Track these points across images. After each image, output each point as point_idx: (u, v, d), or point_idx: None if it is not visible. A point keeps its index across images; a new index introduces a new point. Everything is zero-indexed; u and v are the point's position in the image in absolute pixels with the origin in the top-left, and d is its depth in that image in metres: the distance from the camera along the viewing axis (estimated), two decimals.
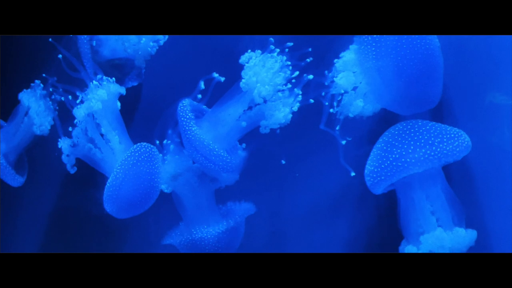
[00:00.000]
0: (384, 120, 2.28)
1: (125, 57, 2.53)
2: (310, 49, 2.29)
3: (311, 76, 2.27)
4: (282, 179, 2.67)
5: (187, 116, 2.29)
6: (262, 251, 2.61)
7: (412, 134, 2.18)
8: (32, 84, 2.57)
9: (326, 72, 2.27)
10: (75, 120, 2.40)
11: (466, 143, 2.17)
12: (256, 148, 2.41)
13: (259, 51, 2.29)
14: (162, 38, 2.51)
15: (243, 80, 2.27)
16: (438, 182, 2.23)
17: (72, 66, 2.46)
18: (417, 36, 2.10)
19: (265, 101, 2.27)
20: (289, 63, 2.28)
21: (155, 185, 2.36)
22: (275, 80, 2.25)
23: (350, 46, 2.24)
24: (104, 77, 2.41)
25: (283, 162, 2.40)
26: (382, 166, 2.17)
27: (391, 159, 2.16)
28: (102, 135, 2.40)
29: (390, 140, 2.20)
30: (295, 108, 2.28)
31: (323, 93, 2.27)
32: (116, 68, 2.55)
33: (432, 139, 2.16)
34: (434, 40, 2.13)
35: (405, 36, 2.11)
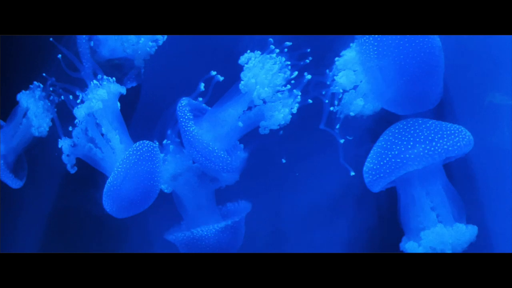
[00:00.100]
0: (384, 119, 2.28)
1: (124, 57, 2.53)
2: (308, 50, 2.29)
3: (309, 76, 2.27)
4: (282, 179, 2.67)
5: (186, 116, 2.29)
6: (262, 251, 2.61)
7: (412, 131, 2.18)
8: (31, 86, 2.57)
9: (327, 71, 2.27)
10: (76, 120, 2.40)
11: (467, 138, 2.17)
12: (256, 148, 2.41)
13: (259, 52, 2.29)
14: (161, 38, 2.51)
15: (242, 82, 2.26)
16: (439, 178, 2.23)
17: (72, 66, 2.46)
18: (418, 35, 2.10)
19: (264, 102, 2.27)
20: (288, 62, 2.28)
21: (155, 184, 2.36)
22: (274, 81, 2.25)
23: (351, 44, 2.24)
24: (105, 77, 2.41)
25: (284, 161, 2.40)
26: (381, 163, 2.17)
27: (390, 156, 2.16)
28: (102, 134, 2.40)
29: (390, 138, 2.20)
30: (294, 110, 2.27)
31: (323, 92, 2.27)
32: (116, 68, 2.55)
33: (432, 135, 2.16)
34: (435, 39, 2.13)
35: (407, 36, 2.11)
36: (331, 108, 2.26)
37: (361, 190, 2.33)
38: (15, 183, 2.60)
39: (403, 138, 2.18)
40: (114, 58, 2.54)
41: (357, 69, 2.22)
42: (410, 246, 2.21)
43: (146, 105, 2.69)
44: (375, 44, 2.15)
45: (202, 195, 2.48)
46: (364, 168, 2.22)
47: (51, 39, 2.46)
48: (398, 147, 2.16)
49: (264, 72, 2.25)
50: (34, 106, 2.54)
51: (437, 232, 2.17)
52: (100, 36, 2.49)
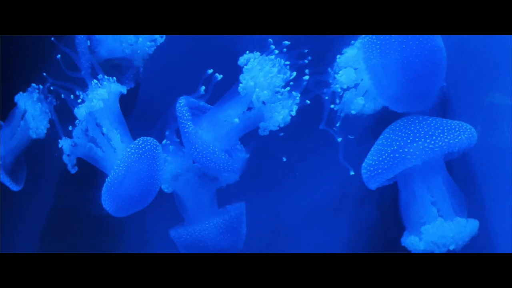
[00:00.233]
0: (385, 118, 2.28)
1: (123, 57, 2.53)
2: (306, 50, 2.29)
3: (306, 77, 2.26)
4: (283, 179, 2.67)
5: (185, 117, 2.29)
6: (263, 251, 2.61)
7: (412, 128, 2.18)
8: (29, 89, 2.57)
9: (329, 69, 2.27)
10: (76, 121, 2.40)
11: (468, 132, 2.16)
12: (256, 148, 2.41)
13: (258, 53, 2.29)
14: (159, 38, 2.51)
15: (240, 85, 2.26)
16: (439, 173, 2.23)
17: (72, 66, 2.46)
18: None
19: (264, 104, 2.27)
20: (287, 62, 2.28)
21: (155, 182, 2.35)
22: (273, 83, 2.25)
23: (353, 42, 2.24)
24: (105, 77, 2.41)
25: (284, 159, 2.39)
26: (380, 159, 2.17)
27: (389, 151, 2.16)
28: (103, 134, 2.40)
29: (390, 135, 2.20)
30: (293, 113, 2.27)
31: (324, 90, 2.27)
32: (115, 68, 2.55)
33: (432, 130, 2.16)
34: (438, 38, 2.13)
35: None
36: (332, 106, 2.26)
37: (362, 189, 2.34)
38: (14, 187, 2.61)
39: (403, 134, 2.18)
40: (113, 58, 2.54)
41: (358, 67, 2.23)
42: (411, 241, 2.21)
43: (146, 105, 2.69)
44: (378, 42, 2.15)
45: (203, 195, 2.48)
46: (363, 165, 2.22)
47: (52, 38, 2.46)
48: (397, 143, 2.16)
49: (263, 74, 2.24)
50: (31, 108, 2.55)
51: (438, 226, 2.17)
52: (98, 36, 2.49)
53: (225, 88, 2.34)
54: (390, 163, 2.15)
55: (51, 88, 2.53)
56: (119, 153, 2.38)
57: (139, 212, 2.44)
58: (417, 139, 2.15)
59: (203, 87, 2.35)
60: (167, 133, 2.46)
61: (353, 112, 2.25)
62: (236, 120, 2.29)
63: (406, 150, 2.14)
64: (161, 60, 2.62)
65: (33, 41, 2.63)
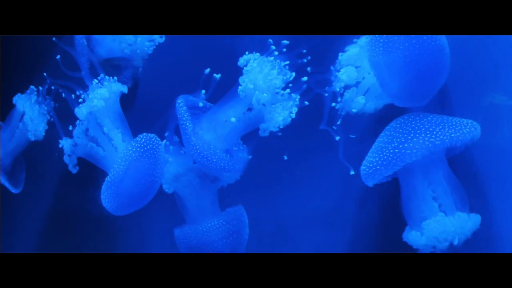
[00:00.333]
0: (386, 117, 2.28)
1: (122, 56, 2.53)
2: (304, 51, 2.29)
3: (305, 78, 2.26)
4: (283, 179, 2.67)
5: (184, 117, 2.29)
6: (263, 251, 2.61)
7: (413, 125, 2.18)
8: (27, 91, 2.57)
9: (331, 67, 2.27)
10: (77, 121, 2.40)
11: (470, 126, 2.16)
12: (257, 148, 2.41)
13: (258, 54, 2.29)
14: (158, 38, 2.51)
15: (240, 88, 2.26)
16: (441, 168, 2.23)
17: (72, 66, 2.46)
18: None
19: (264, 105, 2.27)
20: (287, 62, 2.27)
21: (156, 180, 2.35)
22: (273, 85, 2.24)
23: (356, 40, 2.24)
24: (106, 77, 2.41)
25: (285, 158, 2.39)
26: (381, 155, 2.17)
27: (390, 148, 2.16)
28: (104, 133, 2.40)
29: (391, 132, 2.20)
30: (293, 115, 2.27)
31: (326, 88, 2.27)
32: (115, 68, 2.55)
33: (433, 127, 2.16)
34: (442, 37, 2.13)
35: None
36: (333, 104, 2.26)
37: (363, 189, 2.34)
38: (13, 189, 2.61)
39: (404, 131, 2.18)
40: (112, 58, 2.54)
41: (360, 65, 2.23)
42: (412, 236, 2.22)
43: (146, 105, 2.69)
44: (381, 40, 2.14)
45: (204, 196, 2.48)
46: (364, 162, 2.22)
47: (54, 39, 2.46)
48: (398, 140, 2.16)
49: (262, 77, 2.24)
50: (30, 110, 2.55)
51: (439, 221, 2.17)
52: (97, 36, 2.49)
53: (225, 88, 2.34)
54: (390, 159, 2.14)
55: (52, 87, 2.53)
56: (120, 152, 2.38)
57: (139, 212, 2.44)
58: (417, 135, 2.15)
59: (203, 91, 2.35)
60: (166, 134, 2.45)
61: (353, 110, 2.25)
62: (233, 119, 2.29)
63: (406, 145, 2.14)
64: (161, 60, 2.62)
65: (33, 41, 2.64)
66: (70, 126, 2.44)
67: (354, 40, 2.24)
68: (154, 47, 2.53)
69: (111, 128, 2.39)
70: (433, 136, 2.14)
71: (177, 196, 2.49)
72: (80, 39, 2.45)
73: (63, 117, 2.52)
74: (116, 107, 2.41)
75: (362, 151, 2.24)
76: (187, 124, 2.29)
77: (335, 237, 2.64)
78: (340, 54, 2.25)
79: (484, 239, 2.32)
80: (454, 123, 2.17)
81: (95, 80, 2.39)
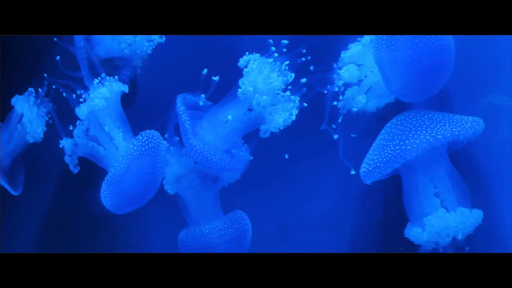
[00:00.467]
0: (387, 116, 2.28)
1: (122, 56, 2.53)
2: (304, 50, 2.29)
3: (304, 80, 2.26)
4: (284, 179, 2.67)
5: (184, 118, 2.29)
6: (264, 251, 2.60)
7: (413, 121, 2.18)
8: (25, 92, 2.57)
9: (334, 64, 2.27)
10: (78, 120, 2.40)
11: (471, 120, 2.16)
12: (258, 148, 2.41)
13: (258, 55, 2.29)
14: (157, 38, 2.51)
15: (239, 90, 2.26)
16: (442, 164, 2.23)
17: (72, 66, 2.46)
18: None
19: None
20: (287, 62, 2.27)
21: (157, 179, 2.35)
22: (273, 87, 2.24)
23: (359, 39, 2.24)
24: (107, 77, 2.41)
25: (286, 156, 2.39)
26: (382, 153, 2.17)
27: (390, 145, 2.16)
28: (105, 133, 2.40)
29: (392, 129, 2.20)
30: (294, 117, 2.27)
31: (328, 86, 2.27)
32: (115, 68, 2.55)
33: (434, 123, 2.16)
34: (448, 36, 2.14)
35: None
36: (334, 103, 2.26)
37: (364, 189, 2.34)
38: (12, 191, 2.61)
39: (404, 128, 2.18)
40: (112, 58, 2.54)
41: (362, 63, 2.23)
42: (414, 232, 2.21)
43: (146, 105, 2.68)
44: (385, 37, 2.15)
45: (205, 198, 2.47)
46: (365, 159, 2.22)
47: (55, 39, 2.46)
48: (399, 137, 2.16)
49: (262, 79, 2.23)
50: (28, 112, 2.55)
51: (440, 217, 2.17)
52: (96, 36, 2.49)
53: (226, 88, 2.34)
54: (391, 156, 2.14)
55: (53, 86, 2.52)
56: (121, 151, 2.37)
57: (139, 212, 2.44)
58: (418, 132, 2.15)
59: (203, 95, 2.35)
60: (166, 135, 2.45)
61: (354, 109, 2.25)
62: (230, 117, 2.29)
63: (407, 142, 2.14)
64: (161, 60, 2.62)
65: (33, 41, 2.63)
66: (71, 126, 2.44)
67: (358, 39, 2.24)
68: (154, 47, 2.53)
69: (112, 127, 2.39)
70: (434, 131, 2.13)
71: (179, 197, 2.49)
72: (80, 39, 2.45)
73: (62, 117, 2.52)
74: (117, 107, 2.41)
75: (363, 151, 2.24)
76: (186, 124, 2.29)
77: (336, 237, 2.64)
78: (342, 52, 2.25)
79: (484, 239, 2.32)
80: (455, 119, 2.17)
81: (96, 80, 2.39)
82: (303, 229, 2.69)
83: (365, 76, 2.24)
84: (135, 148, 2.31)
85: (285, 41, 2.27)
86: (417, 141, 2.13)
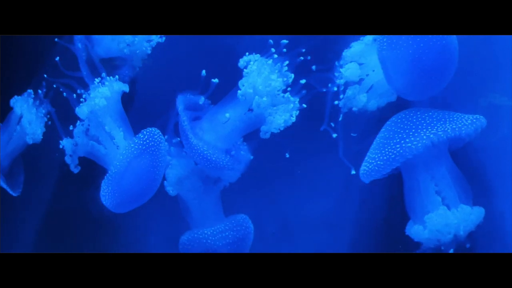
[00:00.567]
0: (388, 115, 2.28)
1: (121, 56, 2.53)
2: (303, 50, 2.29)
3: (303, 81, 2.26)
4: (285, 179, 2.67)
5: (183, 117, 2.29)
6: (264, 251, 2.60)
7: (414, 119, 2.19)
8: (24, 93, 2.57)
9: (336, 62, 2.27)
10: (79, 120, 2.40)
11: (472, 117, 2.16)
12: (258, 148, 2.41)
13: (258, 55, 2.29)
14: (155, 38, 2.51)
15: (239, 92, 2.26)
16: (443, 162, 2.23)
17: (72, 66, 2.46)
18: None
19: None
20: (287, 62, 2.27)
21: (157, 178, 2.35)
22: (273, 88, 2.24)
23: (362, 38, 2.24)
24: (107, 77, 2.41)
25: (287, 155, 2.38)
26: (382, 151, 2.17)
27: (391, 143, 2.16)
28: (106, 132, 2.40)
29: (392, 127, 2.20)
30: (294, 118, 2.27)
31: (329, 84, 2.27)
32: (114, 68, 2.55)
33: (435, 121, 2.17)
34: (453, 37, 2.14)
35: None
36: (336, 102, 2.26)
37: (365, 188, 2.34)
38: (11, 191, 2.61)
39: (404, 126, 2.18)
40: (112, 58, 2.54)
41: (364, 62, 2.23)
42: (415, 230, 2.21)
43: (145, 105, 2.68)
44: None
45: (207, 200, 2.47)
46: (366, 158, 2.22)
47: (56, 39, 2.46)
48: (399, 135, 2.16)
49: (262, 81, 2.23)
50: (28, 113, 2.55)
51: (441, 215, 2.17)
52: (95, 36, 2.49)
53: (226, 88, 2.34)
54: (391, 155, 2.14)
55: (54, 85, 2.52)
56: (122, 149, 2.37)
57: (139, 212, 2.44)
58: (419, 130, 2.15)
59: (202, 98, 2.35)
60: (166, 137, 2.45)
61: (354, 109, 2.25)
62: (227, 114, 2.28)
63: (407, 140, 2.14)
64: (161, 60, 2.62)
65: (33, 41, 2.63)
66: (71, 126, 2.43)
67: (361, 38, 2.24)
68: (153, 47, 2.53)
69: (113, 126, 2.39)
70: (435, 129, 2.13)
71: (181, 199, 2.48)
72: (80, 39, 2.46)
73: (62, 117, 2.52)
74: (117, 106, 2.41)
75: (364, 150, 2.24)
76: (185, 124, 2.29)
77: (337, 237, 2.64)
78: (345, 50, 2.25)
79: (483, 239, 2.32)
80: (456, 117, 2.18)
81: (97, 79, 2.39)
82: (304, 229, 2.69)
83: (367, 75, 2.24)
84: (136, 146, 2.31)
85: (285, 41, 2.27)
86: (418, 139, 2.13)
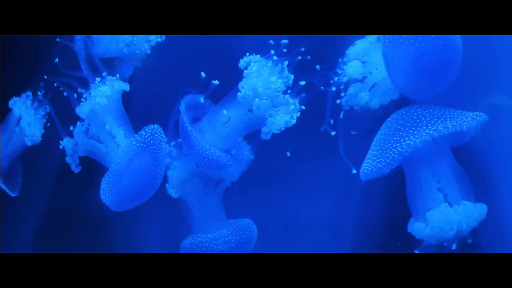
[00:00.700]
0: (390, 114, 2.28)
1: (120, 56, 2.53)
2: (303, 49, 2.29)
3: (303, 83, 2.26)
4: (284, 179, 2.67)
5: (184, 118, 2.29)
6: (265, 251, 2.60)
7: (414, 116, 2.19)
8: (23, 95, 2.57)
9: (339, 59, 2.27)
10: (79, 120, 2.40)
11: (472, 114, 2.17)
12: (258, 148, 2.41)
13: (258, 56, 2.28)
14: (155, 38, 2.51)
15: (239, 94, 2.26)
16: (445, 159, 2.23)
17: (72, 66, 2.46)
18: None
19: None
20: (287, 63, 2.27)
21: (157, 176, 2.35)
22: (273, 90, 2.23)
23: (366, 36, 2.25)
24: (108, 76, 2.41)
25: (288, 154, 2.38)
26: (383, 148, 2.16)
27: (391, 141, 2.16)
28: (106, 131, 2.40)
29: (393, 124, 2.20)
30: (294, 120, 2.26)
31: (331, 81, 2.26)
32: (114, 68, 2.55)
33: (435, 119, 2.17)
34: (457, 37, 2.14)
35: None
36: (338, 101, 2.26)
37: (366, 188, 2.34)
38: (9, 192, 2.61)
39: (405, 123, 2.18)
40: (112, 58, 2.54)
41: (368, 60, 2.23)
42: (417, 227, 2.21)
43: (145, 105, 2.68)
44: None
45: (209, 203, 2.47)
46: (367, 156, 2.22)
47: (58, 39, 2.46)
48: (400, 133, 2.16)
49: (262, 83, 2.23)
50: (26, 115, 2.55)
51: (442, 212, 2.17)
52: (94, 36, 2.49)
53: (226, 88, 2.34)
54: (391, 153, 2.14)
55: (55, 84, 2.52)
56: (123, 148, 2.37)
57: (139, 212, 2.44)
58: (419, 128, 2.15)
59: (202, 97, 2.35)
60: (166, 138, 2.45)
61: (355, 107, 2.25)
62: (225, 111, 2.29)
63: (407, 138, 2.14)
64: (161, 60, 2.62)
65: (33, 41, 2.63)
66: (71, 127, 2.43)
67: (365, 36, 2.25)
68: (153, 46, 2.53)
69: (114, 125, 2.39)
70: (435, 125, 2.14)
71: (182, 201, 2.48)
72: (81, 38, 2.46)
73: (62, 118, 2.52)
74: (118, 105, 2.41)
75: (366, 149, 2.24)
76: (186, 125, 2.29)
77: (337, 237, 2.64)
78: (348, 48, 2.25)
79: (483, 239, 2.32)
80: (457, 113, 2.18)
81: (98, 79, 2.39)
82: (304, 229, 2.69)
83: (370, 73, 2.25)
84: (138, 144, 2.31)
85: (285, 41, 2.27)
86: (417, 135, 2.13)
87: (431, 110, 2.20)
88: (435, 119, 2.17)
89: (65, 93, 2.45)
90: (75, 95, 2.41)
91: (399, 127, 2.18)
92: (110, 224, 2.74)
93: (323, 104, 2.27)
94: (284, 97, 2.26)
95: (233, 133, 2.33)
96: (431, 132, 2.13)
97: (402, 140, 2.14)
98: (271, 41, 2.28)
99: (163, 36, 2.51)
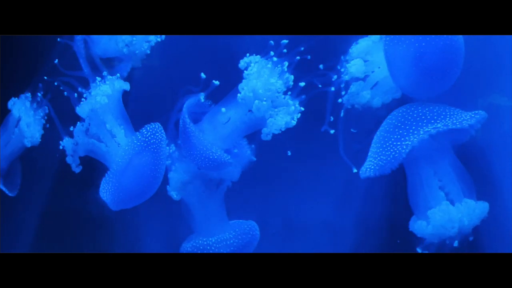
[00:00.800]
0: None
1: (119, 56, 2.53)
2: (302, 48, 2.29)
3: (302, 84, 2.26)
4: (284, 179, 2.67)
5: (186, 121, 2.29)
6: (265, 251, 2.61)
7: (414, 114, 2.19)
8: (22, 95, 2.57)
9: (342, 57, 2.27)
10: (79, 120, 2.40)
11: (472, 112, 2.17)
12: (259, 148, 2.41)
13: (258, 56, 2.28)
14: (154, 38, 2.51)
15: (239, 95, 2.25)
16: (446, 157, 2.23)
17: (72, 65, 2.46)
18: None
19: None
20: (287, 63, 2.27)
21: (158, 175, 2.35)
22: (273, 91, 2.23)
23: (369, 36, 2.25)
24: (109, 76, 2.41)
25: (289, 153, 2.38)
26: (384, 146, 2.16)
27: (392, 139, 2.16)
28: (107, 130, 2.40)
29: (393, 121, 2.20)
30: (295, 122, 2.26)
31: (332, 80, 2.26)
32: (112, 68, 2.55)
33: (435, 117, 2.17)
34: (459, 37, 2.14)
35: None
36: (339, 100, 2.26)
37: (366, 187, 2.33)
38: (8, 193, 2.61)
39: (406, 122, 2.18)
40: (111, 58, 2.54)
41: (370, 59, 2.23)
42: (418, 225, 2.21)
43: (144, 106, 2.68)
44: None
45: (211, 205, 2.47)
46: (369, 154, 2.21)
47: (58, 39, 2.46)
48: (400, 131, 2.16)
49: (261, 85, 2.23)
50: (26, 116, 2.55)
51: (444, 210, 2.17)
52: (94, 36, 2.49)
53: (226, 88, 2.34)
54: (392, 152, 2.15)
55: (55, 83, 2.52)
56: (123, 147, 2.37)
57: (140, 212, 2.44)
58: (418, 127, 2.15)
59: (202, 94, 2.34)
60: (167, 140, 2.44)
61: (357, 106, 2.25)
62: (223, 109, 2.29)
63: (407, 137, 2.14)
64: (161, 60, 2.62)
65: (33, 41, 2.63)
66: (71, 127, 2.43)
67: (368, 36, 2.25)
68: (152, 46, 2.53)
69: (114, 124, 2.39)
70: (436, 122, 2.14)
71: (184, 203, 2.48)
72: (81, 38, 2.46)
73: (62, 118, 2.52)
74: (118, 104, 2.41)
75: (367, 148, 2.24)
76: (187, 125, 2.29)
77: (339, 237, 2.64)
78: (351, 46, 2.25)
79: (483, 239, 2.32)
80: (456, 112, 2.18)
81: (98, 78, 2.39)
82: (304, 229, 2.69)
83: (372, 72, 2.25)
84: (139, 143, 2.31)
85: (285, 41, 2.27)
86: (415, 133, 2.13)
87: (431, 108, 2.20)
88: (435, 117, 2.17)
89: (65, 93, 2.45)
90: (76, 94, 2.41)
91: (399, 124, 2.18)
92: (110, 224, 2.74)
93: (323, 104, 2.27)
94: (284, 98, 2.26)
95: (233, 134, 2.33)
96: (429, 129, 2.13)
97: (402, 138, 2.14)
98: (272, 42, 2.27)
99: (163, 36, 2.51)
